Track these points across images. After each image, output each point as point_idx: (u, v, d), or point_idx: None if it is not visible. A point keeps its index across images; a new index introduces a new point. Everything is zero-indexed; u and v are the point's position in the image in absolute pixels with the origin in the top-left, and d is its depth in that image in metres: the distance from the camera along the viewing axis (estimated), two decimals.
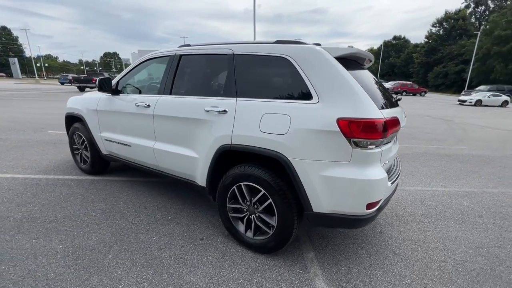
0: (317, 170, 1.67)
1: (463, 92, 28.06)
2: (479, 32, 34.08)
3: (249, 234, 2.09)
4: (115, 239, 2.17)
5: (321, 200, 1.70)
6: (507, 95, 22.23)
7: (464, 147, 6.07)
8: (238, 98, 2.00)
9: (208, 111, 2.10)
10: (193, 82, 2.45)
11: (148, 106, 2.52)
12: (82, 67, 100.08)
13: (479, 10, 50.40)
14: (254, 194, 1.97)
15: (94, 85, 20.18)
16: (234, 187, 2.05)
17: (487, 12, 49.47)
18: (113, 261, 1.91)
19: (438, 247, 2.24)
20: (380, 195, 1.71)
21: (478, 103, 20.94)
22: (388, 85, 34.36)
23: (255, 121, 1.86)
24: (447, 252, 2.18)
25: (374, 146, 1.61)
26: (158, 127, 2.50)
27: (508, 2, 43.43)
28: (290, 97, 1.82)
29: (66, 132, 3.73)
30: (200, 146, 2.21)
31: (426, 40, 52.64)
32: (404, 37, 71.41)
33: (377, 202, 1.71)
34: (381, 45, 61.17)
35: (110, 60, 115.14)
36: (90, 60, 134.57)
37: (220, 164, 2.12)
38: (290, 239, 1.91)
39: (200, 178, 2.28)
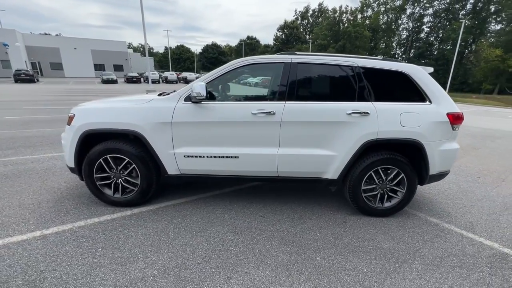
0: (438, 146, 2.62)
1: None
2: (310, 40, 45.78)
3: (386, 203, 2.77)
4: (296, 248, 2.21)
5: (436, 166, 2.68)
6: None
7: None
8: (374, 103, 2.57)
9: (349, 114, 2.52)
10: (320, 88, 2.68)
11: (273, 113, 2.50)
12: None
13: (304, 22, 66.95)
14: (385, 175, 2.67)
15: None
16: (372, 171, 2.64)
17: (309, 25, 66.60)
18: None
19: None
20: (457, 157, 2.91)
21: None
22: (256, 80, 39.93)
23: (395, 119, 2.54)
24: None
25: (457, 128, 2.75)
26: (286, 133, 2.56)
27: (320, 19, 60.49)
28: (412, 100, 2.64)
29: (75, 160, 2.61)
30: (339, 144, 2.58)
31: (274, 42, 64.21)
32: (255, 38, 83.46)
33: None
34: (242, 43, 68.55)
35: None
36: None
37: (360, 157, 2.62)
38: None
39: (333, 173, 2.65)
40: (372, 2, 54.24)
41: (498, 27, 42.15)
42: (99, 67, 43.39)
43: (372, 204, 2.76)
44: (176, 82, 35.10)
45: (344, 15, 49.81)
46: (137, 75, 32.50)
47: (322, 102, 2.58)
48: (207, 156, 2.60)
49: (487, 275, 1.97)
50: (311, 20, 65.56)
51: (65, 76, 40.96)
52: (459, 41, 26.48)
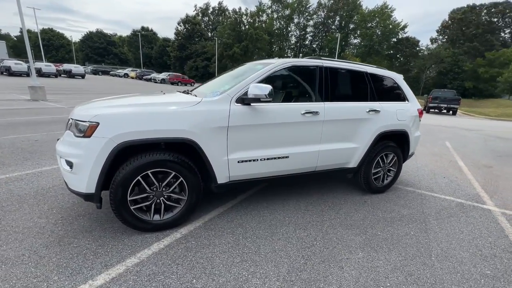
0: (413, 133, 3.54)
1: None
2: (216, 38, 46.02)
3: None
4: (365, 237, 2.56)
5: (411, 148, 3.62)
6: None
7: None
8: (380, 102, 3.21)
9: (368, 111, 3.06)
10: (345, 90, 3.05)
11: (317, 113, 2.71)
12: None
13: (205, 19, 66.39)
14: (386, 159, 3.40)
15: None
16: (378, 158, 3.30)
17: (210, 23, 66.62)
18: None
19: None
20: None
21: None
22: (162, 76, 36.95)
23: (394, 115, 3.27)
24: None
25: (420, 120, 3.78)
26: (326, 130, 2.83)
27: (221, 18, 61.62)
28: (399, 100, 3.44)
29: (98, 182, 1.97)
30: (360, 137, 3.09)
31: (175, 36, 60.71)
32: (151, 29, 76.34)
33: None
34: (138, 34, 61.11)
35: None
36: None
37: (374, 146, 3.21)
38: None
39: (354, 162, 3.15)
40: (266, 8, 59.86)
41: (356, 41, 55.58)
42: None
43: (376, 183, 3.43)
44: (56, 76, 27.47)
45: (244, 17, 52.74)
46: None
47: (349, 102, 3.01)
48: (260, 159, 2.54)
49: (460, 212, 2.94)
50: (212, 18, 65.82)
51: None
52: (337, 51, 33.23)
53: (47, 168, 3.58)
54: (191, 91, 3.36)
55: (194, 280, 1.77)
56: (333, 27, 56.66)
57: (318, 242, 2.30)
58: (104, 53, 65.36)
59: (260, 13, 58.81)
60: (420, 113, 3.64)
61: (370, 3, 72.91)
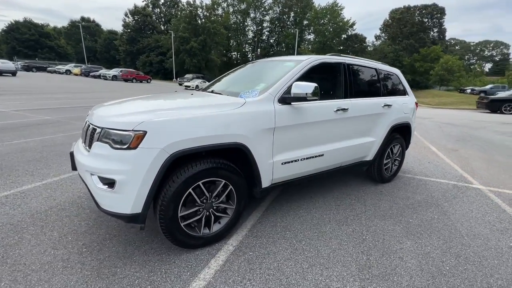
0: (412, 125, 3.84)
1: (178, 79, 36.39)
2: (172, 31, 43.42)
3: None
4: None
5: (411, 138, 3.93)
6: (203, 81, 32.12)
7: None
8: (389, 97, 3.40)
9: (383, 106, 3.22)
10: (364, 86, 3.12)
11: (347, 109, 2.75)
12: None
13: (156, 11, 62.15)
14: (394, 150, 3.64)
15: None
16: (388, 149, 3.52)
17: (162, 15, 62.66)
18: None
19: None
20: None
21: (197, 87, 28.79)
22: (114, 72, 33.68)
23: (401, 109, 3.50)
24: None
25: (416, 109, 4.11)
26: (353, 126, 2.90)
27: (174, 10, 58.44)
28: (402, 94, 3.68)
29: (147, 200, 1.70)
30: (377, 131, 3.24)
31: (124, 29, 55.71)
32: (93, 20, 68.84)
33: None
34: (79, 25, 54.28)
35: None
36: None
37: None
38: None
39: (371, 155, 3.31)
40: (221, 1, 58.55)
41: (310, 37, 58.10)
42: None
43: (387, 173, 3.66)
44: None
45: (200, 10, 50.82)
46: None
47: (368, 98, 3.12)
48: (300, 159, 2.49)
49: (454, 188, 3.33)
50: (164, 10, 61.96)
51: None
52: (296, 46, 34.25)
53: (29, 187, 2.98)
54: (205, 89, 3.12)
55: None
56: (288, 23, 58.23)
57: (366, 236, 2.36)
58: (36, 46, 56.64)
59: (216, 6, 57.35)
60: (417, 105, 3.97)
61: (322, 0, 76.49)
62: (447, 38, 59.53)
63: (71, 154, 2.08)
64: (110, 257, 1.92)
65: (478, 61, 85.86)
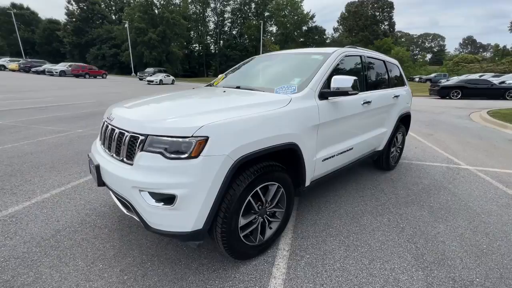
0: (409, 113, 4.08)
1: (138, 74, 33.89)
2: (126, 22, 39.86)
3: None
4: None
5: (409, 126, 4.18)
6: (167, 75, 30.28)
7: None
8: (395, 88, 3.54)
9: (393, 97, 3.34)
10: (377, 78, 3.17)
11: (370, 102, 2.78)
12: None
13: None
14: (398, 138, 3.83)
15: None
16: (394, 138, 3.70)
17: (112, 3, 57.22)
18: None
19: None
20: None
21: (161, 82, 27.14)
22: (61, 67, 30.02)
23: (404, 99, 3.68)
24: None
25: None
26: (373, 118, 2.95)
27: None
28: (401, 85, 3.86)
29: (211, 212, 1.51)
30: (388, 122, 3.37)
31: (68, 18, 49.72)
32: (27, 7, 60.14)
33: None
34: (11, 13, 46.73)
35: None
36: None
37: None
38: None
39: (383, 144, 3.44)
40: None
41: (272, 28, 58.36)
42: None
43: (392, 161, 3.85)
44: None
45: None
46: None
47: (382, 90, 3.20)
48: (336, 155, 2.46)
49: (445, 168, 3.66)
50: None
51: None
52: (261, 38, 34.10)
53: (16, 209, 2.50)
54: (221, 86, 2.89)
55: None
56: (250, 14, 57.65)
57: (402, 224, 2.45)
58: None
59: None
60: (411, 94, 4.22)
61: None
62: (395, 30, 64.86)
63: (97, 168, 1.75)
64: (161, 281, 1.69)
65: (420, 52, 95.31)
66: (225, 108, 1.76)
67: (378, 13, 57.14)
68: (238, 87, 2.55)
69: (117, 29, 44.99)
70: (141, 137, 1.54)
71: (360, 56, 2.90)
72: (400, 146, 4.00)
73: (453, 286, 1.73)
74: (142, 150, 1.53)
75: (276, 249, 2.05)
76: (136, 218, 1.66)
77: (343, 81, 2.15)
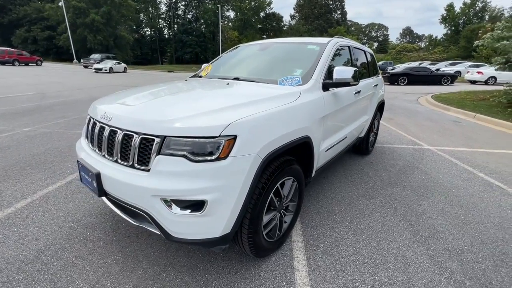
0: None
1: (82, 60, 30.03)
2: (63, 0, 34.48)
3: None
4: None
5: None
6: (117, 62, 27.44)
7: None
8: (373, 77, 3.75)
9: (374, 86, 3.55)
10: (362, 68, 3.29)
11: (360, 91, 2.90)
12: None
13: None
14: (375, 124, 4.11)
15: None
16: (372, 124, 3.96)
17: None
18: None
19: None
20: None
21: (111, 70, 24.50)
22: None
23: (381, 87, 3.93)
24: None
25: None
26: (360, 107, 3.10)
27: None
28: (377, 73, 4.10)
29: (239, 216, 1.43)
30: (369, 109, 3.58)
31: None
32: None
33: None
34: None
35: None
36: None
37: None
38: None
39: (364, 131, 3.66)
40: None
41: (229, 14, 56.66)
42: None
43: (370, 146, 4.13)
44: None
45: None
46: None
47: (366, 79, 3.36)
48: (335, 144, 2.54)
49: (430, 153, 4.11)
50: None
51: None
52: (220, 23, 32.88)
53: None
54: (210, 76, 2.71)
55: (376, 277, 1.73)
56: None
57: (395, 205, 2.66)
58: None
59: None
60: None
61: None
62: (347, 19, 68.41)
63: (98, 176, 1.51)
64: None
65: (368, 41, 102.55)
66: (243, 103, 1.65)
67: (331, 2, 59.38)
68: (237, 79, 2.42)
69: (49, 8, 38.80)
70: (156, 139, 1.36)
71: (349, 47, 2.97)
72: (376, 132, 4.30)
73: (450, 256, 1.96)
74: (159, 153, 1.36)
75: (290, 241, 2.06)
76: (149, 229, 1.51)
77: (345, 72, 2.18)
